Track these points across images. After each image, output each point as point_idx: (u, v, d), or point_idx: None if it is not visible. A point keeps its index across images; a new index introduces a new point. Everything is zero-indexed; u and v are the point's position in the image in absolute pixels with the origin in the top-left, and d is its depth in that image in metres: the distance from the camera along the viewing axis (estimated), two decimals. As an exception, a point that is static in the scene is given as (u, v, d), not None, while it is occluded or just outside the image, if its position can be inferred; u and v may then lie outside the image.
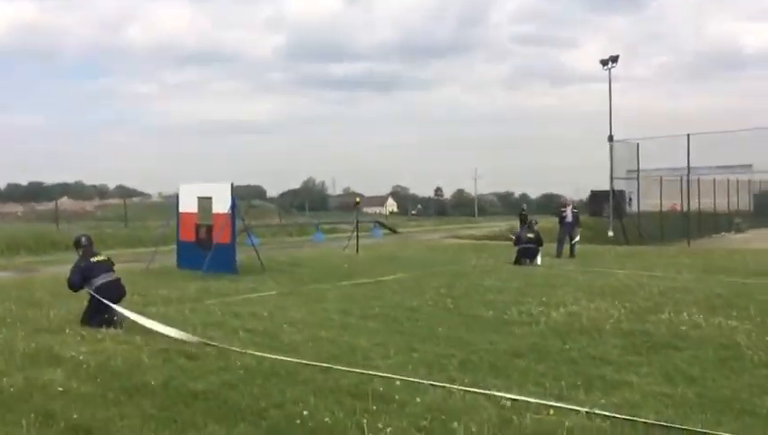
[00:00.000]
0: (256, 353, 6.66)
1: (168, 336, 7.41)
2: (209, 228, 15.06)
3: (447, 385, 5.41)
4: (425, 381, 5.53)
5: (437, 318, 8.83)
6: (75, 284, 8.39)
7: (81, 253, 8.67)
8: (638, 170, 29.28)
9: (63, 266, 17.50)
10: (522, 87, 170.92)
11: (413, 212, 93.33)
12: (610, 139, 28.52)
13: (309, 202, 74.91)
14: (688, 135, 26.54)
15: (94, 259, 8.54)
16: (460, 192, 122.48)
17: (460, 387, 5.35)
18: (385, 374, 5.78)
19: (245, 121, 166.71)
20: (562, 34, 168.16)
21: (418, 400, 5.08)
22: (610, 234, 27.52)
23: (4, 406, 5.18)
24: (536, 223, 17.25)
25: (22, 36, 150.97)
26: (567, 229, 18.42)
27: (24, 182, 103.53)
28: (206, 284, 12.56)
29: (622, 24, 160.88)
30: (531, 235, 16.33)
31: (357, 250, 20.23)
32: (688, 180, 27.56)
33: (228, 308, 9.74)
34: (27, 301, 10.52)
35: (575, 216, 18.71)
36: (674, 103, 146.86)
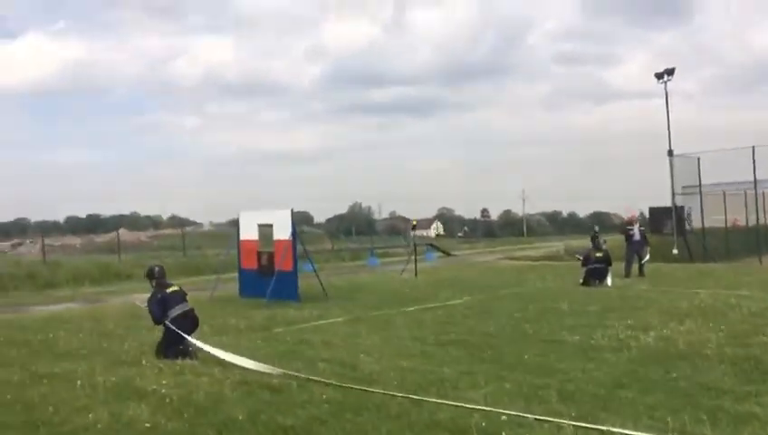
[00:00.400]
0: (342, 385, 6.39)
1: (246, 368, 7.22)
2: (270, 255, 14.97)
3: (556, 420, 5.02)
4: (529, 416, 5.14)
5: (519, 344, 8.42)
6: (158, 316, 8.29)
7: (154, 284, 8.57)
8: (699, 185, 28.24)
9: (128, 296, 17.79)
10: (563, 106, 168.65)
11: (459, 234, 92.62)
12: (670, 153, 27.54)
13: (355, 227, 75.08)
14: (753, 147, 25.47)
15: (169, 290, 8.44)
16: (507, 213, 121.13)
17: (571, 422, 4.95)
18: (485, 408, 5.41)
19: (290, 150, 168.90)
20: (603, 52, 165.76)
21: (528, 437, 4.71)
22: (675, 252, 26.45)
23: (92, 444, 5.03)
24: (605, 242, 16.62)
25: (74, 75, 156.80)
26: (635, 248, 17.71)
27: (82, 215, 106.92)
28: (271, 312, 12.41)
29: (665, 39, 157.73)
30: (599, 254, 15.73)
31: (416, 274, 19.91)
32: (756, 194, 26.36)
33: (299, 337, 9.52)
34: (100, 332, 10.52)
35: (642, 233, 18.00)
36: (721, 117, 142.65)
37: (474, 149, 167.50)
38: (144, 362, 7.88)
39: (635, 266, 17.70)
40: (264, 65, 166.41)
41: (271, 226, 14.96)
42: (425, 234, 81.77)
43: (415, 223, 23.39)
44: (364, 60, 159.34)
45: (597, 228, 18.24)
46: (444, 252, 30.83)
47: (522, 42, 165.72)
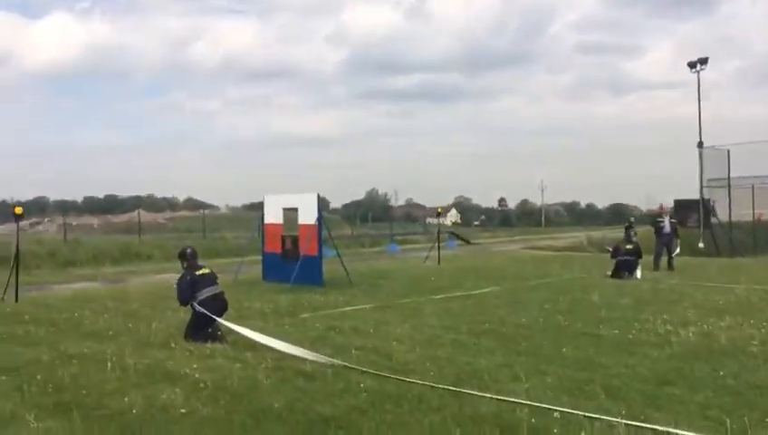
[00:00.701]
0: (379, 374, 6.23)
1: (277, 350, 7.08)
2: (295, 240, 14.84)
3: (607, 418, 4.81)
4: (579, 412, 4.94)
5: (554, 337, 8.20)
6: (186, 298, 8.18)
7: (185, 265, 8.45)
8: (728, 178, 27.70)
9: (149, 277, 17.79)
10: (584, 96, 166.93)
11: (476, 223, 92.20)
12: (700, 145, 27.04)
13: (372, 213, 74.86)
14: (788, 140, 24.93)
15: (199, 272, 8.31)
16: (525, 202, 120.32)
17: (623, 421, 4.73)
18: (535, 404, 5.20)
19: (309, 135, 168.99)
20: (625, 42, 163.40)
21: (583, 435, 4.51)
22: (701, 245, 25.98)
23: (128, 429, 4.90)
24: (635, 234, 16.27)
25: (94, 56, 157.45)
26: (665, 241, 17.36)
27: (100, 195, 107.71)
28: (296, 296, 12.28)
29: (688, 30, 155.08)
30: (630, 246, 15.42)
31: (438, 262, 19.70)
32: (788, 188, 25.79)
33: (327, 323, 9.37)
34: (125, 312, 10.44)
35: (673, 226, 17.63)
36: (749, 109, 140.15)
37: (493, 138, 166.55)
38: (173, 344, 7.78)
39: (664, 259, 17.36)
40: (284, 49, 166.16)
41: (296, 210, 14.82)
42: (441, 222, 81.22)
43: (440, 210, 23.12)
44: (386, 46, 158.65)
45: (632, 219, 17.87)
46: (464, 240, 30.60)
47: (544, 31, 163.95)
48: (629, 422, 4.71)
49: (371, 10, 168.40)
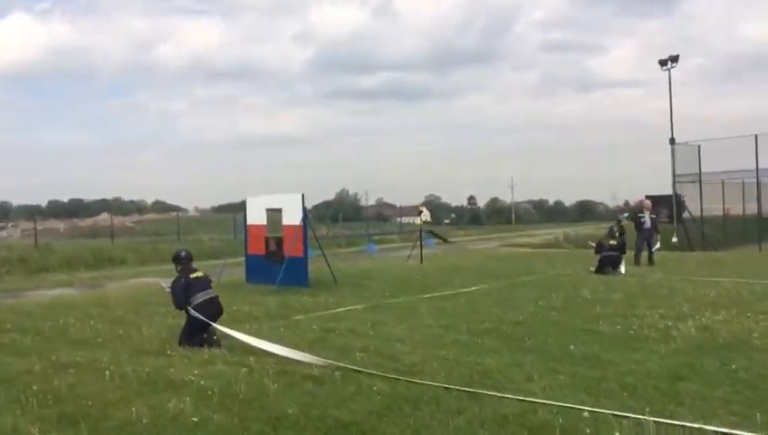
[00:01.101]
0: (388, 376, 6.09)
1: (277, 356, 6.89)
2: (279, 241, 14.60)
3: (636, 416, 4.74)
4: (608, 411, 4.86)
5: (554, 334, 8.14)
6: (181, 303, 7.91)
7: (179, 268, 8.18)
8: (699, 173, 28.22)
9: (126, 281, 17.34)
10: (549, 94, 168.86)
11: (446, 221, 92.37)
12: (672, 141, 27.48)
13: (342, 213, 74.39)
14: (756, 135, 25.51)
15: (193, 275, 8.06)
16: (494, 200, 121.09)
17: (651, 418, 4.67)
18: (561, 404, 5.11)
19: (276, 135, 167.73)
20: (590, 40, 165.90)
21: (617, 435, 4.44)
22: (674, 240, 26.39)
23: (140, 441, 4.68)
24: (622, 231, 16.38)
25: (56, 57, 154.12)
26: (645, 236, 17.55)
27: (64, 199, 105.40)
28: (283, 298, 12.06)
29: (650, 27, 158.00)
30: (613, 242, 15.54)
31: (421, 261, 19.62)
32: (758, 182, 26.41)
33: (322, 325, 9.19)
34: (111, 319, 10.10)
35: (653, 221, 17.83)
36: (711, 106, 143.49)
37: (461, 137, 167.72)
38: (169, 351, 7.51)
39: (644, 254, 17.55)
40: (250, 49, 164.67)
41: (280, 210, 14.57)
42: (411, 221, 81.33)
43: (421, 210, 23.06)
44: (353, 45, 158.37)
45: (626, 215, 18.07)
46: (442, 238, 30.63)
47: (510, 29, 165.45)
48: (659, 419, 4.65)
49: (338, 9, 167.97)
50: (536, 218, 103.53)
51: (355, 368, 6.43)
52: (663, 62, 27.77)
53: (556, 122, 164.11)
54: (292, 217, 14.23)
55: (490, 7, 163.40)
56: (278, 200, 14.75)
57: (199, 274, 8.17)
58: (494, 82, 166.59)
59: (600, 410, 4.86)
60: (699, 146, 27.87)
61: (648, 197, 32.45)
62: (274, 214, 14.78)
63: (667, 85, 28.06)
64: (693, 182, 28.51)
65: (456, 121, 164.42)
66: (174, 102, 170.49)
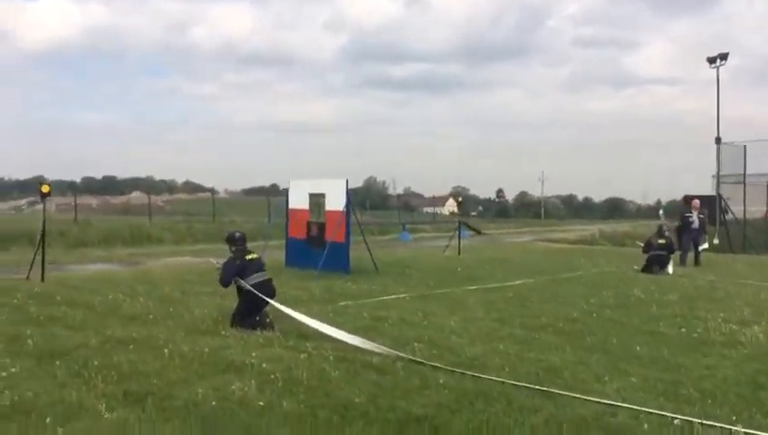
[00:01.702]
0: (454, 370, 5.91)
1: (334, 341, 6.76)
2: (321, 226, 14.48)
3: (726, 426, 4.50)
4: (696, 420, 4.62)
5: (616, 333, 7.86)
6: (226, 281, 7.83)
7: (233, 250, 8.09)
8: (744, 174, 27.49)
9: (164, 260, 17.40)
10: (582, 90, 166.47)
11: (473, 213, 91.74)
12: (718, 141, 26.77)
13: (369, 201, 74.25)
14: (808, 137, 24.70)
15: (248, 257, 7.96)
16: (523, 194, 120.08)
17: (744, 429, 4.43)
18: (649, 410, 4.85)
19: (306, 121, 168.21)
20: (624, 37, 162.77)
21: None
22: (716, 241, 25.76)
23: (209, 423, 4.57)
24: (667, 229, 15.97)
25: (92, 37, 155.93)
26: (693, 235, 17.05)
27: (98, 176, 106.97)
28: (326, 283, 11.94)
29: (687, 25, 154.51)
30: (662, 241, 15.13)
31: (459, 252, 19.39)
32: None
33: (371, 312, 9.05)
34: (159, 297, 10.09)
35: (702, 221, 17.33)
36: (747, 107, 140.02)
37: (490, 130, 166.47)
38: (223, 331, 7.44)
39: (690, 255, 17.09)
40: (281, 36, 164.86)
41: (323, 195, 14.45)
42: (438, 211, 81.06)
43: (460, 200, 22.76)
44: (384, 35, 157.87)
45: (660, 212, 17.60)
46: (476, 230, 30.21)
47: (543, 24, 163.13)
48: (751, 431, 4.40)
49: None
50: (564, 214, 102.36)
51: (418, 360, 6.27)
52: (712, 60, 26.93)
53: (587, 119, 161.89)
54: (336, 203, 14.10)
55: (523, 1, 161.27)
56: (322, 185, 14.61)
57: (254, 255, 8.07)
58: (525, 77, 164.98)
59: (690, 419, 4.62)
60: (745, 146, 27.15)
61: (686, 196, 31.86)
62: (318, 198, 14.62)
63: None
64: (737, 183, 27.82)
65: (485, 115, 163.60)
66: (205, 85, 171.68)
